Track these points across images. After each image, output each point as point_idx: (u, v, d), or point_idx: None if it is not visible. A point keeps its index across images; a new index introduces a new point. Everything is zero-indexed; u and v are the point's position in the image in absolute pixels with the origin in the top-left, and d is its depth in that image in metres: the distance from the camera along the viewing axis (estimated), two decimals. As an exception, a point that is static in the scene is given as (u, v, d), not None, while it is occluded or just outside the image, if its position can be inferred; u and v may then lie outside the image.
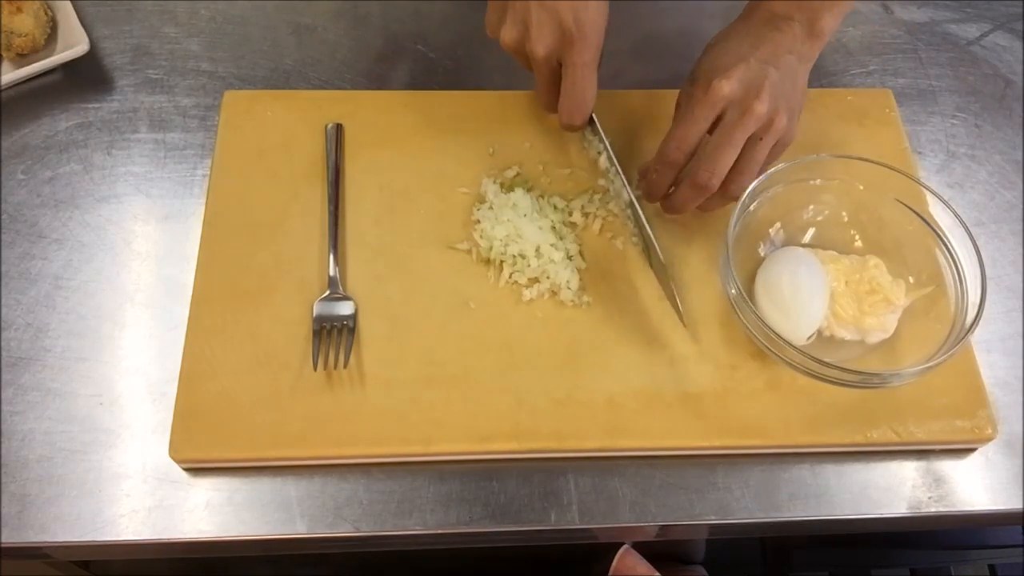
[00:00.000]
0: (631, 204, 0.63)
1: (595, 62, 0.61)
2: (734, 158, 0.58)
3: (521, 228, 0.64)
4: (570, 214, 0.67)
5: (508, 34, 0.61)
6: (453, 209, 0.67)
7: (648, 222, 0.62)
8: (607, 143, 0.65)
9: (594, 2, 0.59)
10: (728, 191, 0.60)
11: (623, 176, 0.64)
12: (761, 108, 0.56)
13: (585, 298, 0.64)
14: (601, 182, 0.68)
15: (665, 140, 0.61)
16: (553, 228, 0.66)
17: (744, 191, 0.60)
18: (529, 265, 0.64)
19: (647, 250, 0.64)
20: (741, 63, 0.58)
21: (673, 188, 0.63)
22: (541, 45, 0.60)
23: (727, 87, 0.57)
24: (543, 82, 0.64)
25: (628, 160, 0.65)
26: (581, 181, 0.70)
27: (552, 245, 0.64)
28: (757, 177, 0.60)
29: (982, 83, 0.80)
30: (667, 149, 0.60)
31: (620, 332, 0.63)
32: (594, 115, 0.65)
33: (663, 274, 0.62)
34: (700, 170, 0.59)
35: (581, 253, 0.66)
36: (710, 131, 0.60)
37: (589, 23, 0.59)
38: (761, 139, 0.58)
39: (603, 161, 0.66)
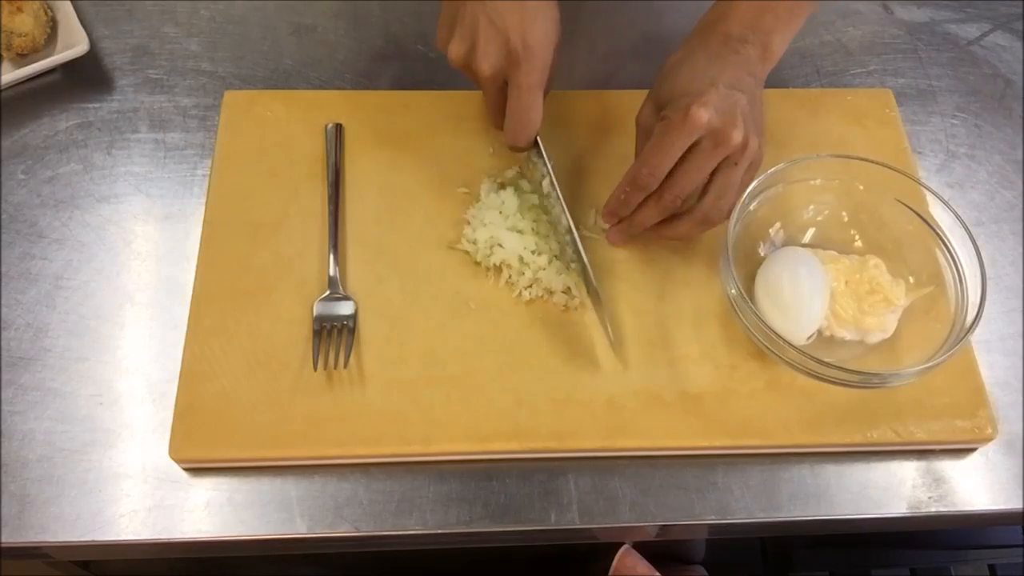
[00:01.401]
0: (569, 231, 0.63)
1: (541, 84, 0.61)
2: (701, 182, 0.59)
3: (501, 238, 0.64)
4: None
5: (455, 49, 0.61)
6: (453, 209, 0.67)
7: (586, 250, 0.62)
8: (550, 167, 0.64)
9: (541, 24, 0.59)
10: (709, 216, 0.60)
11: (563, 202, 0.63)
12: (738, 137, 0.56)
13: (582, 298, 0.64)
14: (548, 205, 0.67)
15: (637, 164, 0.59)
16: (534, 230, 0.65)
17: (724, 215, 0.60)
18: (523, 274, 0.63)
19: (583, 277, 0.63)
20: (712, 88, 0.57)
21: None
22: (487, 63, 0.60)
23: (705, 115, 0.56)
24: (490, 101, 0.64)
25: (627, 160, 0.64)
26: (581, 181, 0.70)
27: (533, 251, 0.64)
28: (739, 199, 0.60)
29: (982, 83, 0.80)
30: (640, 174, 0.59)
31: (620, 332, 0.62)
32: (539, 138, 0.64)
33: (597, 303, 0.62)
34: (667, 193, 0.59)
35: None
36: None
37: (536, 44, 0.58)
38: (736, 163, 0.58)
39: (546, 185, 0.65)
